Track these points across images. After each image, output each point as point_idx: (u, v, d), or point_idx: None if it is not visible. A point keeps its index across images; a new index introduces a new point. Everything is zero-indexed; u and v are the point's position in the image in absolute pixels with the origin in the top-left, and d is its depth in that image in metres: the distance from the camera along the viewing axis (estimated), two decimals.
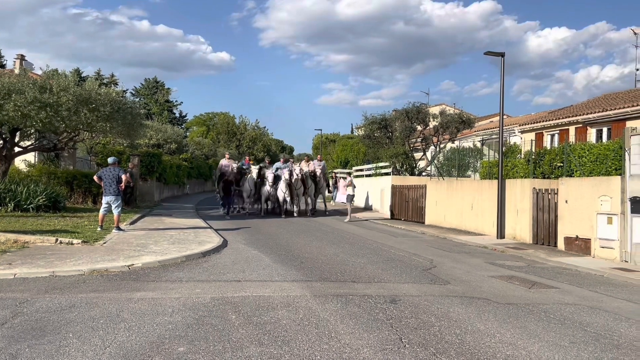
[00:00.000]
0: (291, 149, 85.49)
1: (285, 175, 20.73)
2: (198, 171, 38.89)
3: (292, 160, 26.25)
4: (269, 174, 20.93)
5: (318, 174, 23.06)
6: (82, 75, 49.68)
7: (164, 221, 16.55)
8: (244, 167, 21.65)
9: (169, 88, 65.51)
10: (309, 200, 22.64)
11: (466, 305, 7.05)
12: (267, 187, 20.99)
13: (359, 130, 38.80)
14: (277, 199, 21.59)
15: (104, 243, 10.99)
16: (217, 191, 22.01)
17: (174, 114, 66.89)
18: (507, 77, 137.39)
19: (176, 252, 10.14)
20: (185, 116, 70.38)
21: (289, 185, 20.95)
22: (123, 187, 13.17)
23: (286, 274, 8.75)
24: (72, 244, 10.61)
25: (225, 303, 6.61)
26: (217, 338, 5.18)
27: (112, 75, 57.38)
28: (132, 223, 15.14)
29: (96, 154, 25.81)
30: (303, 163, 23.95)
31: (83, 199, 20.12)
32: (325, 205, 25.23)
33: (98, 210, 14.39)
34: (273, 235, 14.45)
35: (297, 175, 20.83)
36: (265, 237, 13.96)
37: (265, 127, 71.89)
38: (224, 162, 21.62)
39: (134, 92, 65.64)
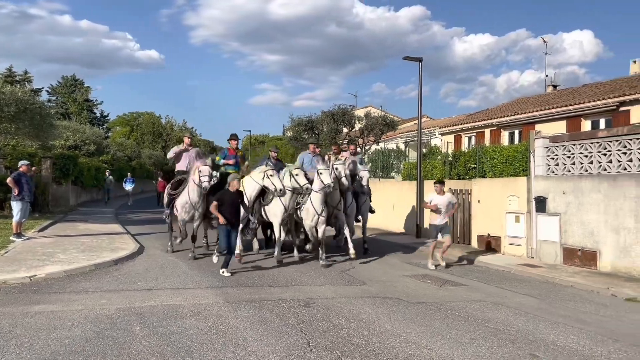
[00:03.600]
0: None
1: (325, 178, 10.14)
2: (120, 174, 37.32)
3: (333, 152, 13.22)
4: (297, 175, 10.31)
5: (365, 179, 11.86)
6: None
7: (77, 227, 15.71)
8: (222, 162, 11.72)
9: (88, 86, 62.38)
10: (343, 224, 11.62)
11: (378, 305, 7.18)
12: (284, 202, 10.42)
13: (288, 132, 38.84)
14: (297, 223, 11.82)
15: (6, 253, 10.27)
16: (166, 215, 11.78)
17: (95, 113, 63.74)
18: (435, 80, 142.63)
19: (85, 261, 9.64)
20: (107, 116, 67.35)
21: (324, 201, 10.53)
22: (17, 191, 12.25)
23: (201, 281, 8.55)
24: None
25: (131, 314, 6.35)
26: (116, 352, 4.95)
27: (26, 73, 53.83)
28: (41, 230, 14.26)
29: (5, 156, 24.11)
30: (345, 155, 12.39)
31: None
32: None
33: (7, 217, 13.45)
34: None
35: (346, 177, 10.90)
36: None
37: (192, 127, 70.33)
38: (182, 151, 11.86)
39: (49, 91, 62.03)
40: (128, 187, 29.48)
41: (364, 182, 11.85)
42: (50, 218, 17.46)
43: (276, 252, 10.65)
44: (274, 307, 6.88)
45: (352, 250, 10.58)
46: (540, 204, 12.02)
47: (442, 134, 28.76)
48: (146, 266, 9.84)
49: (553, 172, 12.04)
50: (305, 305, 7.02)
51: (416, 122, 20.05)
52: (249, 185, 10.53)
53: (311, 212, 10.46)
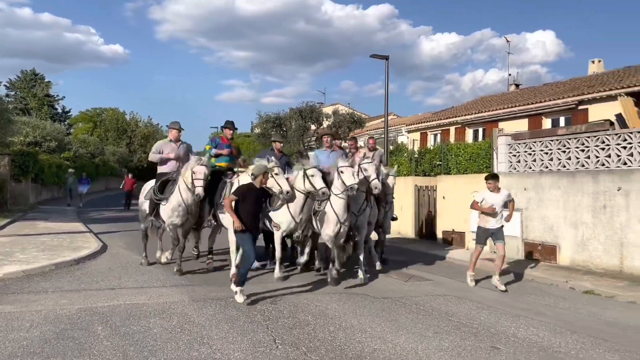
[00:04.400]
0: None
1: (348, 177, 8.08)
2: (82, 171, 36.42)
3: (351, 144, 11.09)
4: (313, 176, 8.15)
5: (390, 182, 10.14)
6: None
7: (37, 226, 15.27)
8: (214, 151, 9.61)
9: (49, 81, 60.49)
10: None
11: (344, 301, 7.23)
12: (292, 210, 8.38)
13: (256, 129, 38.63)
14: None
15: None
16: (149, 222, 9.65)
17: (56, 109, 61.91)
18: (402, 78, 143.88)
19: (45, 260, 9.37)
20: (69, 112, 65.52)
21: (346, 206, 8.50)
22: None
23: (166, 279, 8.43)
24: None
25: (92, 314, 6.20)
26: (76, 353, 4.83)
27: None
28: None
29: None
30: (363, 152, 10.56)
31: None
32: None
33: None
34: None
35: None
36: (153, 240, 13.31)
37: (158, 123, 69.10)
38: (164, 147, 9.66)
39: (8, 85, 59.94)
40: (82, 188, 26.36)
41: (389, 187, 9.99)
42: (8, 217, 16.90)
43: (276, 270, 8.15)
44: (240, 305, 6.84)
45: (378, 264, 9.80)
46: None
47: (409, 132, 29.09)
48: (109, 265, 9.64)
49: (515, 168, 12.34)
50: (272, 302, 7.01)
51: (382, 119, 20.24)
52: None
53: (332, 220, 8.23)
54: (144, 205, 9.73)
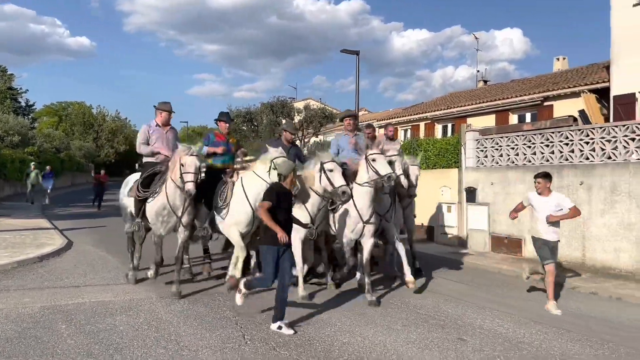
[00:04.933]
0: None
1: (382, 166, 6.86)
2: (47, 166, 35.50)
3: (368, 132, 8.90)
4: (332, 170, 6.69)
5: (414, 173, 8.69)
6: None
7: None
8: (206, 149, 8.03)
9: (12, 74, 58.69)
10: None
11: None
12: (310, 209, 6.97)
13: None
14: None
15: None
16: (133, 225, 7.59)
17: (19, 102, 60.15)
18: (374, 74, 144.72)
19: (7, 258, 9.10)
20: (34, 105, 63.75)
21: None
22: None
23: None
24: None
25: (56, 312, 6.06)
26: (39, 352, 4.71)
27: None
28: None
29: None
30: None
31: None
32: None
33: None
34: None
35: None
36: (122, 237, 13.06)
37: (127, 118, 67.88)
38: (152, 133, 7.98)
39: None
40: (47, 184, 23.96)
41: (413, 180, 8.49)
42: None
43: (300, 288, 6.94)
44: (209, 300, 6.79)
45: (409, 278, 7.37)
46: (471, 194, 12.52)
47: (380, 127, 29.25)
48: (74, 262, 9.42)
49: (482, 163, 12.55)
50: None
51: None
52: (252, 186, 6.96)
53: (353, 218, 7.02)
54: (126, 203, 8.00)
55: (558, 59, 25.78)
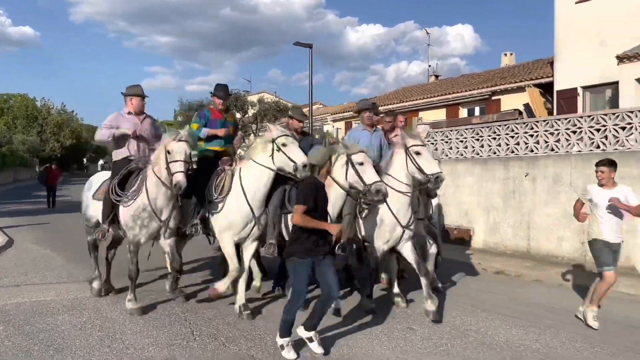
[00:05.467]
0: None
1: (430, 164, 5.87)
2: None
3: (389, 120, 7.86)
4: (363, 164, 5.33)
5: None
6: None
7: None
8: (205, 131, 6.60)
9: None
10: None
11: (265, 290, 7.17)
12: (333, 210, 5.37)
13: (179, 117, 37.51)
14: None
15: None
16: (102, 232, 6.26)
17: None
18: (330, 68, 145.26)
19: None
20: None
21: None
22: None
23: (78, 274, 7.95)
24: None
25: None
26: None
27: None
28: None
29: None
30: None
31: None
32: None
33: None
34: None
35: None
36: (67, 233, 12.58)
37: (73, 111, 65.39)
38: (122, 121, 6.41)
39: None
40: None
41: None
42: None
43: (364, 300, 6.21)
44: (158, 297, 6.62)
45: (430, 308, 5.86)
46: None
47: (334, 121, 29.38)
48: (15, 261, 9.00)
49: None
50: (192, 294, 6.83)
51: (309, 108, 20.27)
52: (251, 177, 5.74)
53: (388, 224, 5.94)
54: (92, 209, 6.64)
55: (506, 55, 26.51)
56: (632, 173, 8.66)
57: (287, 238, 5.72)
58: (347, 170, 5.34)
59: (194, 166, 6.16)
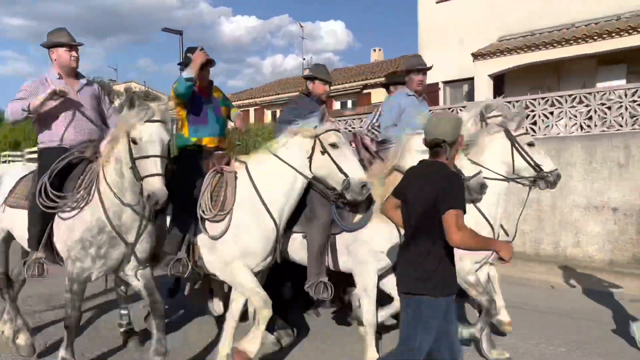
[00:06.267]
0: None
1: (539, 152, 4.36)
2: None
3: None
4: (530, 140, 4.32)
5: None
6: None
7: None
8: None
9: None
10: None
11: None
12: None
13: None
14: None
15: None
16: (34, 262, 3.83)
17: None
18: None
19: None
20: None
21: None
22: None
23: None
24: None
25: None
26: None
27: None
28: None
29: None
30: None
31: None
32: None
33: None
34: None
35: None
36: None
37: None
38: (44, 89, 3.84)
39: None
40: None
41: None
42: None
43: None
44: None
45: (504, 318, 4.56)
46: None
47: None
48: None
49: None
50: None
51: None
52: (273, 180, 3.86)
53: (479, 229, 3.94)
54: (7, 222, 4.32)
55: (375, 50, 27.69)
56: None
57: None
58: (512, 153, 4.11)
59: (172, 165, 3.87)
